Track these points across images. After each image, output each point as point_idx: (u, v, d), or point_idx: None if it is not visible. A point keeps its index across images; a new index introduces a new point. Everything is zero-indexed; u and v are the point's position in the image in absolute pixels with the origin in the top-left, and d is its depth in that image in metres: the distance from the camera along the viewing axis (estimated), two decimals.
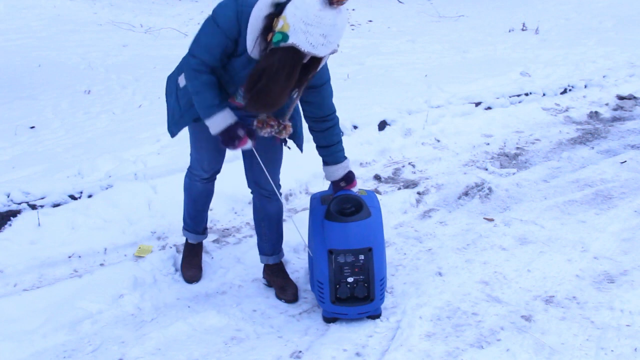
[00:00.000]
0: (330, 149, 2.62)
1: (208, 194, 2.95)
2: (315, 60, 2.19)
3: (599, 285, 2.88)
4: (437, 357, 2.42)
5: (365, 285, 2.56)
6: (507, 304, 2.75)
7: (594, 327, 2.57)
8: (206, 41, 2.29)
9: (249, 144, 2.39)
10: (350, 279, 2.55)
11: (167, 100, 2.71)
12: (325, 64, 2.44)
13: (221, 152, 2.77)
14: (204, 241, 3.32)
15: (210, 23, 2.28)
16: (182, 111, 2.58)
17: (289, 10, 2.08)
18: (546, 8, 10.41)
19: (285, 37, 2.07)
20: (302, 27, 2.04)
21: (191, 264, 3.02)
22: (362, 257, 2.53)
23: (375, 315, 2.66)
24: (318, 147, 2.65)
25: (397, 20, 10.09)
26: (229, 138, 2.35)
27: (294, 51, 2.09)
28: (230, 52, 2.30)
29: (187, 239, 3.07)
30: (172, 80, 2.65)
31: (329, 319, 2.66)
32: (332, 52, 2.20)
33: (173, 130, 2.69)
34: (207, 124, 2.36)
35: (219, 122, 2.34)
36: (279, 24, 2.09)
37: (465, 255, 3.18)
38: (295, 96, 2.37)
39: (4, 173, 3.94)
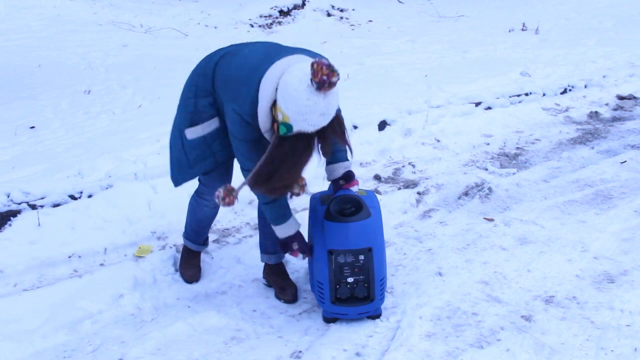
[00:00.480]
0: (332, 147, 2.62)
1: (214, 215, 2.94)
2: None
3: (599, 285, 2.88)
4: (437, 357, 2.42)
5: (365, 285, 2.56)
6: (507, 304, 2.75)
7: (594, 327, 2.57)
8: (242, 154, 2.37)
9: (299, 257, 2.61)
10: (350, 279, 2.55)
11: (170, 147, 2.70)
12: (311, 51, 2.43)
13: (230, 173, 2.76)
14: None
15: (233, 139, 2.37)
16: (190, 164, 2.60)
17: (280, 103, 2.12)
18: (546, 8, 10.40)
19: (289, 127, 2.12)
20: (299, 117, 2.08)
21: (190, 264, 3.02)
22: (362, 257, 2.53)
23: (375, 316, 2.66)
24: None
25: (397, 20, 10.09)
26: (284, 246, 2.57)
27: (302, 135, 2.14)
28: (265, 142, 2.34)
29: (186, 246, 3.06)
30: (177, 128, 2.63)
31: (329, 319, 2.66)
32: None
33: (178, 180, 2.69)
34: (275, 229, 2.53)
35: (282, 231, 2.52)
36: (279, 116, 2.14)
37: (465, 255, 3.18)
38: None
39: (4, 173, 3.94)
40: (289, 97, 2.09)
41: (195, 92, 2.50)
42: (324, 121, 2.13)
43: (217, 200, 2.32)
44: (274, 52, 2.32)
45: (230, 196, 2.32)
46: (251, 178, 2.28)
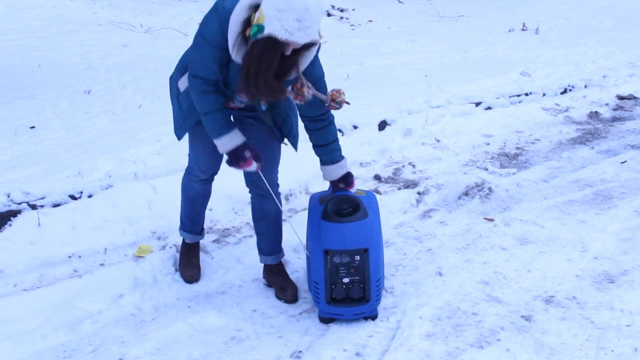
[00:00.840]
0: (326, 147, 2.62)
1: (206, 194, 2.95)
2: (299, 49, 2.19)
3: (599, 285, 2.88)
4: (437, 357, 2.42)
5: (361, 286, 2.55)
6: (507, 304, 2.75)
7: (594, 327, 2.57)
8: (201, 58, 2.32)
9: (253, 166, 2.45)
10: (346, 280, 2.54)
11: (172, 103, 2.73)
12: (318, 61, 2.45)
13: (218, 154, 2.77)
14: (205, 241, 3.33)
15: (199, 39, 2.32)
16: (184, 115, 2.60)
17: (264, 2, 2.11)
18: (546, 8, 10.41)
19: (260, 28, 2.10)
20: (275, 15, 2.06)
21: (190, 264, 3.02)
22: (357, 257, 2.53)
23: (372, 317, 2.65)
24: (314, 147, 2.65)
25: (397, 20, 10.09)
26: (235, 158, 2.41)
27: (272, 41, 2.11)
28: (225, 62, 2.32)
29: (184, 239, 3.07)
30: (173, 82, 2.66)
31: (325, 320, 2.65)
32: (314, 43, 2.20)
33: (179, 134, 2.72)
34: (215, 143, 2.41)
35: (227, 142, 2.40)
36: (255, 17, 2.13)
37: (465, 255, 3.18)
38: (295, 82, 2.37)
39: (4, 173, 3.94)
40: None
41: (191, 46, 2.46)
42: (298, 31, 2.07)
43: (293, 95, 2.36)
44: None
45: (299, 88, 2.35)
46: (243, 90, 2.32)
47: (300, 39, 2.11)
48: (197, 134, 2.64)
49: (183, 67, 2.54)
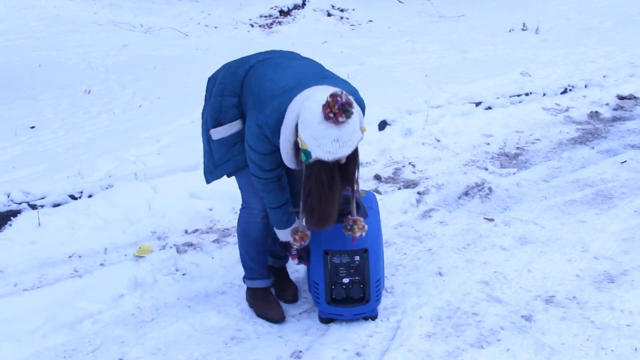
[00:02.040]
0: None
1: (268, 230, 2.70)
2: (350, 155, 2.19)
3: (599, 285, 2.88)
4: (437, 357, 2.42)
5: (361, 286, 2.55)
6: (507, 304, 2.75)
7: (594, 327, 2.57)
8: (256, 163, 2.35)
9: (295, 261, 2.63)
10: (345, 280, 2.54)
11: (202, 140, 2.64)
12: (348, 84, 2.41)
13: None
14: (205, 241, 3.33)
15: (250, 150, 2.34)
16: (215, 164, 2.58)
17: (300, 128, 2.13)
18: (546, 8, 10.40)
19: (308, 154, 2.12)
20: (313, 142, 2.08)
21: (270, 303, 2.76)
22: (357, 258, 2.53)
23: (371, 317, 2.65)
24: None
25: (397, 20, 10.09)
26: (284, 246, 2.58)
27: (322, 162, 2.13)
28: (280, 158, 2.33)
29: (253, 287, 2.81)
30: (205, 125, 2.57)
31: (325, 320, 2.65)
32: (362, 138, 2.22)
33: (208, 179, 2.66)
34: (276, 231, 2.56)
35: (283, 235, 2.54)
36: (300, 142, 2.14)
37: (465, 255, 3.17)
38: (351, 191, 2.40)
39: (4, 173, 3.94)
40: (304, 121, 2.09)
41: (222, 91, 2.46)
42: (340, 149, 2.09)
43: (294, 244, 2.48)
44: (312, 75, 2.32)
45: (299, 233, 2.46)
46: (302, 212, 2.35)
47: (345, 153, 2.13)
48: (243, 172, 2.57)
49: (215, 112, 2.46)
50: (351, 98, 2.06)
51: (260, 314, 2.73)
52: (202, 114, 2.60)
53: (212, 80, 2.56)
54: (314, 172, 2.16)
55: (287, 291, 2.84)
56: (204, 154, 2.63)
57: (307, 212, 2.27)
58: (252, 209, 2.66)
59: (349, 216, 2.47)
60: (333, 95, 2.02)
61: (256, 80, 2.36)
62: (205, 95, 2.58)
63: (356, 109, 2.13)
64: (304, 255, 2.59)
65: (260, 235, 2.70)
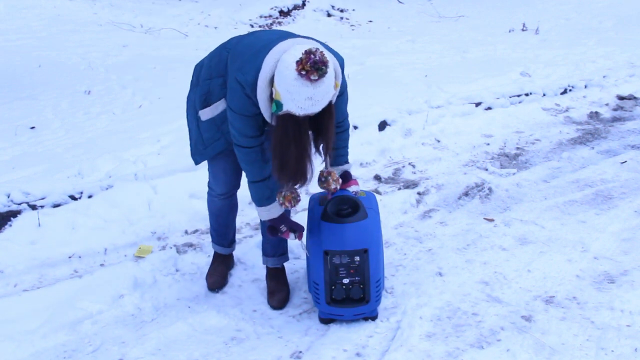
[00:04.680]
0: (335, 152, 2.63)
1: (230, 209, 2.93)
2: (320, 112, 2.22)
3: (599, 286, 2.88)
4: (437, 357, 2.42)
5: (361, 286, 2.55)
6: (507, 304, 2.75)
7: (594, 327, 2.57)
8: (239, 129, 2.37)
9: (291, 237, 2.55)
10: (345, 280, 2.54)
11: (188, 126, 2.72)
12: (345, 102, 2.51)
13: (237, 173, 2.78)
14: (205, 241, 3.33)
15: (231, 113, 2.36)
16: (205, 144, 2.62)
17: (275, 79, 2.16)
18: (546, 8, 10.40)
19: (279, 105, 2.15)
20: (287, 96, 2.11)
21: (216, 271, 2.99)
22: (357, 258, 2.52)
23: (372, 317, 2.65)
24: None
25: (397, 20, 10.09)
26: (272, 229, 2.54)
27: (291, 116, 2.16)
28: (262, 122, 2.36)
29: (215, 251, 3.06)
30: (191, 105, 2.63)
31: (325, 320, 2.65)
32: (336, 94, 2.25)
33: (196, 159, 2.72)
34: (257, 210, 2.54)
35: (265, 213, 2.51)
36: (274, 92, 2.18)
37: (465, 255, 3.17)
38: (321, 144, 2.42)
39: (4, 173, 3.94)
40: (280, 75, 2.12)
41: (210, 74, 2.50)
42: (312, 107, 2.13)
43: (281, 205, 2.46)
44: (287, 35, 2.35)
45: (287, 196, 2.44)
46: (272, 167, 2.33)
47: (317, 110, 2.16)
48: (218, 159, 2.69)
49: (204, 94, 2.52)
50: (327, 56, 2.09)
51: (206, 276, 2.98)
52: (188, 99, 2.65)
53: (198, 67, 2.62)
54: (283, 124, 2.19)
55: (275, 297, 2.82)
56: (191, 137, 2.69)
57: (276, 166, 2.28)
58: (214, 192, 2.84)
59: (323, 169, 2.48)
60: (307, 52, 2.06)
61: (235, 48, 2.42)
62: (192, 81, 2.63)
63: (332, 66, 2.15)
64: (295, 228, 2.55)
65: (218, 210, 2.91)
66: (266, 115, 2.30)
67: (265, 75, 2.22)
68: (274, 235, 2.56)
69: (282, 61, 2.14)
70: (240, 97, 2.30)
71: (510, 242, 3.29)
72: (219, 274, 2.98)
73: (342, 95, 2.50)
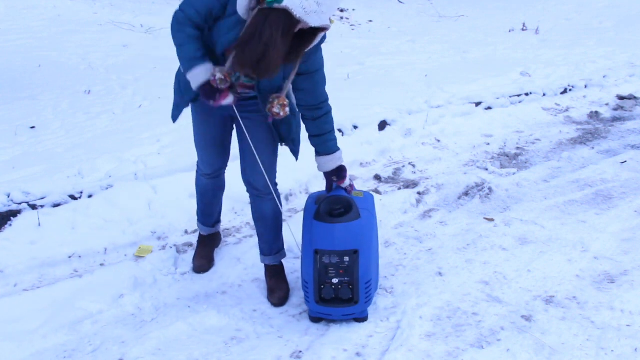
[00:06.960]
0: (322, 137, 2.60)
1: (215, 189, 2.99)
2: (308, 35, 2.18)
3: (599, 286, 2.88)
4: (437, 357, 2.42)
5: (350, 287, 2.54)
6: (507, 304, 2.75)
7: (594, 327, 2.57)
8: (195, 0, 2.28)
9: (230, 98, 2.32)
10: (335, 280, 2.54)
11: (174, 92, 2.70)
12: (320, 51, 2.44)
13: (220, 151, 2.79)
14: None
15: None
16: (182, 93, 2.60)
17: None
18: (546, 8, 10.41)
19: None
20: None
21: (201, 255, 3.08)
22: (347, 259, 2.52)
23: (362, 318, 2.64)
24: (310, 137, 2.62)
25: (397, 21, 10.09)
26: (210, 91, 2.29)
27: (286, 15, 2.07)
28: (216, 15, 2.27)
29: (199, 231, 3.14)
30: (178, 71, 2.61)
31: (315, 319, 2.65)
32: (324, 29, 2.18)
33: (174, 114, 2.70)
34: (188, 77, 2.32)
35: (199, 74, 2.28)
36: None
37: (465, 255, 3.18)
38: (291, 72, 2.36)
39: (4, 173, 3.94)
40: None
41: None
42: (313, 12, 2.04)
43: (216, 84, 2.25)
44: None
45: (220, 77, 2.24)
46: (236, 50, 2.18)
47: (313, 22, 2.08)
48: (198, 125, 2.70)
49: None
50: None
51: (192, 259, 3.07)
52: (176, 75, 2.62)
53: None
54: (272, 17, 2.07)
55: (275, 294, 2.82)
56: (175, 91, 2.64)
57: (242, 47, 2.13)
58: (200, 170, 2.90)
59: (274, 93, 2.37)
60: None
61: None
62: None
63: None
64: (233, 83, 2.35)
65: (203, 190, 2.98)
66: (240, 8, 2.18)
67: None
68: (211, 100, 2.30)
69: None
70: None
71: (510, 242, 3.29)
72: (204, 257, 3.07)
73: (319, 71, 2.45)
